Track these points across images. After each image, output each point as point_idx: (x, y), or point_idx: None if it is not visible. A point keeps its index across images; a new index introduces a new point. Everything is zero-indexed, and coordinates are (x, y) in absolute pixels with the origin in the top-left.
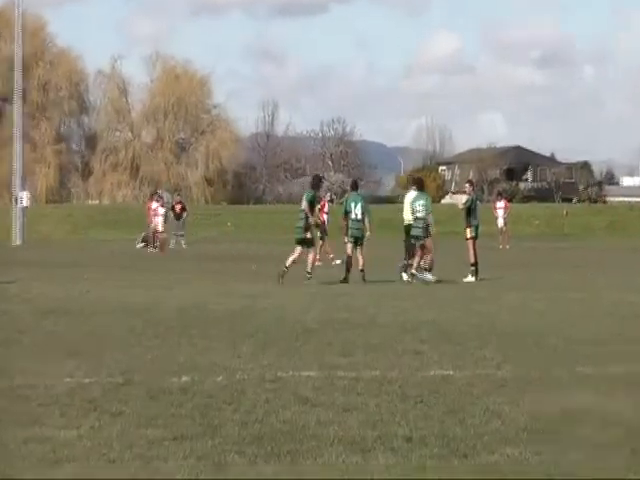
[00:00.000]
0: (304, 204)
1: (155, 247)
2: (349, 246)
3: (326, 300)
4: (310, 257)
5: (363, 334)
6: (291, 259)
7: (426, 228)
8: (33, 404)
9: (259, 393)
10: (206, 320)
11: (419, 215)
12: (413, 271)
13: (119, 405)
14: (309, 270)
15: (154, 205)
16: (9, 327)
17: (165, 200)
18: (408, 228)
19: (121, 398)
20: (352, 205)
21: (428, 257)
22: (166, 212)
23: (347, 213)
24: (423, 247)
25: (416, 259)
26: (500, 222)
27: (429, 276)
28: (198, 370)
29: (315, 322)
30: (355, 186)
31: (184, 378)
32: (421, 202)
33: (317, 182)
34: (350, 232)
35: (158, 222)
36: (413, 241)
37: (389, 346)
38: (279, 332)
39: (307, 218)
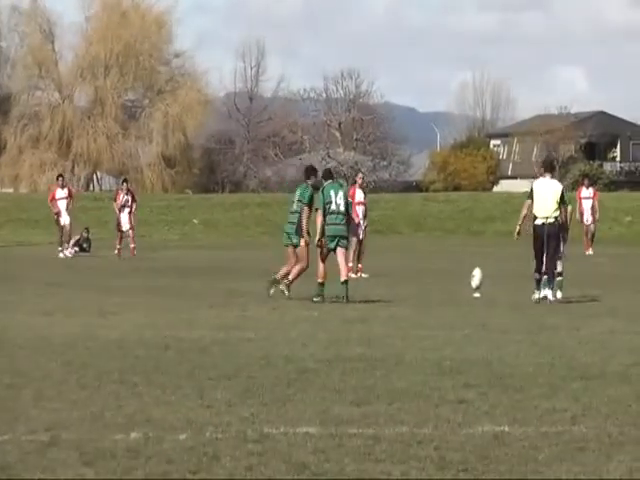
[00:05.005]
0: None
1: (65, 249)
2: (323, 251)
3: (332, 329)
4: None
5: (384, 376)
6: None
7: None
8: None
9: (238, 458)
10: (159, 360)
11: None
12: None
13: (43, 474)
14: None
15: (60, 193)
16: None
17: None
18: (544, 229)
19: (46, 464)
20: (332, 193)
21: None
22: (68, 203)
23: (325, 205)
24: None
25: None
26: (587, 218)
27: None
28: (152, 425)
29: (316, 360)
30: (329, 176)
31: (133, 435)
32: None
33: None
34: (329, 230)
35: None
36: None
37: (421, 393)
38: (265, 374)
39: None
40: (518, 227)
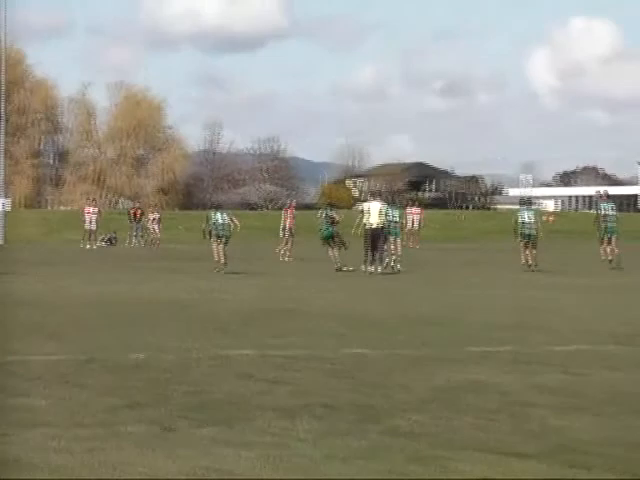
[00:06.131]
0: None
1: (92, 244)
2: (215, 244)
3: (268, 291)
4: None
5: (299, 321)
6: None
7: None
8: (18, 378)
9: (204, 369)
10: (159, 309)
11: (396, 219)
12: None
13: (85, 378)
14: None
15: (90, 209)
16: None
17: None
18: (372, 231)
19: (87, 372)
20: (218, 216)
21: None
22: (98, 216)
23: (214, 221)
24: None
25: (397, 252)
26: (413, 226)
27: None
28: (152, 349)
29: (257, 310)
30: (219, 207)
31: (140, 355)
32: (395, 212)
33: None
34: (217, 233)
35: (93, 222)
36: (392, 238)
37: (317, 330)
38: (226, 319)
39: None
40: (356, 228)
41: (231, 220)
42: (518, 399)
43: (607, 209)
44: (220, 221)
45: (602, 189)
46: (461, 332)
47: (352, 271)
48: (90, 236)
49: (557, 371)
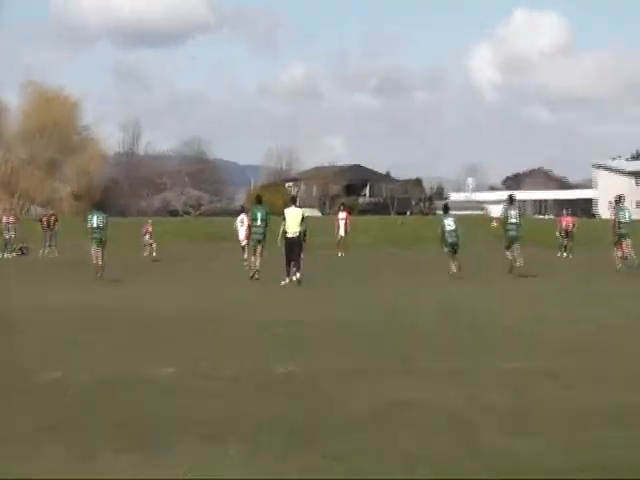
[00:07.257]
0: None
1: (2, 253)
2: (95, 249)
3: (186, 300)
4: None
5: (220, 331)
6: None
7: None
8: None
9: (124, 386)
10: (73, 321)
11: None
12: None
13: (2, 399)
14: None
15: (7, 220)
16: None
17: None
18: (289, 240)
19: (4, 393)
20: (95, 219)
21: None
22: (15, 226)
23: (91, 227)
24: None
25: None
26: (341, 231)
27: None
28: (67, 367)
29: (178, 319)
30: (97, 206)
31: (56, 374)
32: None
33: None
34: (95, 238)
35: (11, 231)
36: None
37: (244, 342)
38: (145, 330)
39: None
40: (280, 238)
41: (104, 223)
42: (462, 417)
43: (512, 216)
44: (95, 224)
45: (509, 193)
46: (391, 342)
47: (285, 284)
48: (7, 245)
49: (502, 387)
